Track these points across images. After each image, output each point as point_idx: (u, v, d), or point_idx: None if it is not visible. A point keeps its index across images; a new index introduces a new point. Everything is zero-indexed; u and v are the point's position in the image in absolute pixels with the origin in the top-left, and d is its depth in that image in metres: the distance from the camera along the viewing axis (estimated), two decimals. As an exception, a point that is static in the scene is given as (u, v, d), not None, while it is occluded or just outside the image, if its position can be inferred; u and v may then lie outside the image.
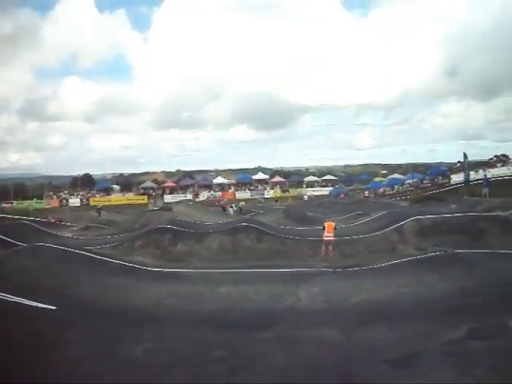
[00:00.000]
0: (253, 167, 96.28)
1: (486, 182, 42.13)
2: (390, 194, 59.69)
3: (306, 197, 63.28)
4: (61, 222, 40.22)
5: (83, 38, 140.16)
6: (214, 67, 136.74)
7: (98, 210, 47.48)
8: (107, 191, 72.31)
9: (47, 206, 63.28)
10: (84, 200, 67.20)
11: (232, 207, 44.06)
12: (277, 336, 8.39)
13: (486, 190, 38.20)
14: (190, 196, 66.43)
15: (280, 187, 70.67)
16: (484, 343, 7.56)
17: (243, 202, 48.83)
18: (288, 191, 68.62)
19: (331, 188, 69.64)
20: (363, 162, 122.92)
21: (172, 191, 70.59)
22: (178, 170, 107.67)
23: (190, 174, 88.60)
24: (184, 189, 71.54)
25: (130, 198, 68.18)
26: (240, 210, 41.98)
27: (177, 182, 76.41)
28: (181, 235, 19.93)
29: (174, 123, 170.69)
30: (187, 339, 8.34)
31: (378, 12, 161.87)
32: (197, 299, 11.03)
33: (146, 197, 67.22)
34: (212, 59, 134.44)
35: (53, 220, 40.15)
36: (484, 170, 51.65)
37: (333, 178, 78.00)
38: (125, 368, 7.19)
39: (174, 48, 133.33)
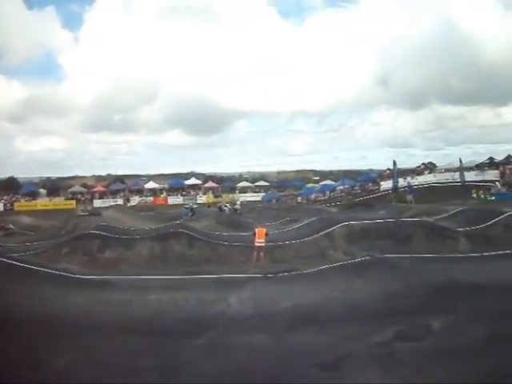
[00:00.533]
0: (186, 172, 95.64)
1: (410, 188, 43.78)
2: (321, 200, 60.70)
3: (238, 202, 63.37)
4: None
5: (10, 35, 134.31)
6: (148, 70, 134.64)
7: None
8: (33, 195, 69.42)
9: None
10: (8, 205, 64.14)
11: (227, 207, 43.45)
12: (207, 342, 8.31)
13: (410, 197, 39.67)
14: (120, 201, 64.97)
15: (213, 193, 70.46)
16: (410, 345, 7.78)
17: (238, 202, 47.82)
18: (221, 197, 68.42)
19: (264, 194, 70.09)
20: (296, 168, 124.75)
21: (102, 196, 68.78)
22: (109, 175, 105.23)
23: (121, 179, 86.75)
24: (114, 194, 69.88)
25: (57, 202, 65.68)
26: (235, 211, 41.35)
27: (107, 187, 74.51)
28: (110, 241, 19.37)
29: (104, 126, 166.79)
30: (115, 348, 8.08)
31: (312, 21, 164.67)
32: (126, 307, 10.76)
33: (74, 201, 65.10)
34: (145, 61, 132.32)
35: None
36: (412, 178, 53.67)
37: (265, 183, 78.56)
38: (46, 380, 6.85)
39: (107, 48, 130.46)
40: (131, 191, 71.08)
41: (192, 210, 40.11)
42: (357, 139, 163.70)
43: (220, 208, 44.39)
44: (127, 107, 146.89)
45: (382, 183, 58.43)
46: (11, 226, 37.38)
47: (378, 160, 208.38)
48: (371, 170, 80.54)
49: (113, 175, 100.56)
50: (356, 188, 63.66)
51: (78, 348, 7.94)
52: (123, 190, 71.84)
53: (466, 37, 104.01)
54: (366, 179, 66.83)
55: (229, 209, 42.94)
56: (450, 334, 8.13)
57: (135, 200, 66.08)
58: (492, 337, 7.73)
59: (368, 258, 14.96)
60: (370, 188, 60.10)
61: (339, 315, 9.63)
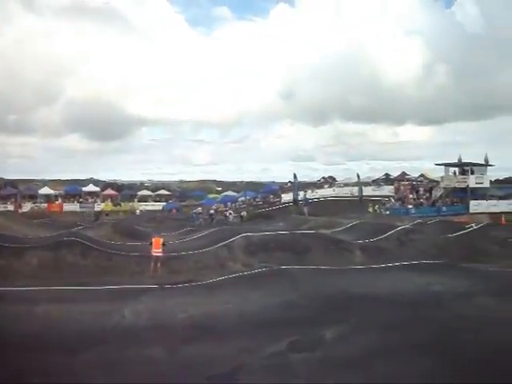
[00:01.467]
0: (84, 178, 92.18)
1: (305, 201, 45.14)
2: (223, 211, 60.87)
3: (138, 211, 62.05)
4: None
5: None
6: (48, 71, 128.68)
7: None
8: None
9: None
10: None
11: (231, 213, 41.58)
12: (99, 357, 7.97)
13: (305, 209, 40.93)
14: (11, 207, 61.27)
15: (112, 201, 68.44)
16: (303, 355, 7.90)
17: (244, 212, 45.85)
18: (120, 205, 66.60)
19: (165, 203, 69.17)
20: (199, 178, 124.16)
21: (-9, 201, 64.66)
22: (0, 178, 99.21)
23: (12, 183, 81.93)
24: (5, 199, 65.87)
25: None
26: (241, 218, 39.54)
27: (-4, 191, 70.17)
28: (-4, 249, 18.16)
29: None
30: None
31: (221, 32, 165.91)
32: (10, 320, 10.04)
33: (-42, 206, 60.67)
34: (46, 62, 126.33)
35: None
36: (312, 191, 55.31)
37: (167, 193, 77.55)
38: None
39: (2, 44, 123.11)
40: (23, 196, 67.27)
41: (241, 216, 38.59)
42: (260, 151, 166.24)
43: (211, 215, 42.92)
44: (23, 107, 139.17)
45: (283, 195, 59.67)
46: None
47: (281, 173, 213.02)
48: (273, 182, 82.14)
49: (4, 179, 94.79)
50: (257, 200, 64.49)
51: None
52: (14, 194, 67.75)
53: (368, 57, 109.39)
54: (267, 191, 67.99)
55: (234, 216, 41.61)
56: (341, 344, 8.35)
57: (27, 206, 62.60)
58: (381, 347, 8.04)
59: (266, 269, 15.13)
60: (272, 200, 61.12)
61: (235, 326, 9.63)
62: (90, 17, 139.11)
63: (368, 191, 50.91)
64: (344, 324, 9.33)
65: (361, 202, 47.68)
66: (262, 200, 63.57)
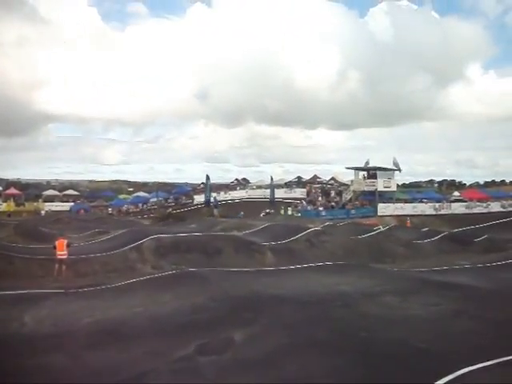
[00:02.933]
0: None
1: (216, 203, 45.29)
2: (134, 212, 59.63)
3: (43, 212, 59.42)
4: None
5: None
6: None
7: None
8: None
9: None
10: None
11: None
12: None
13: (216, 211, 41.08)
14: None
15: (15, 200, 65.06)
16: (211, 358, 7.87)
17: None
18: (24, 205, 63.47)
19: (72, 204, 66.74)
20: (110, 178, 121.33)
21: None
22: None
23: None
24: None
25: None
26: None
27: None
28: None
29: None
30: None
31: (135, 28, 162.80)
32: None
33: None
34: None
35: None
36: (225, 193, 55.47)
37: (75, 193, 74.92)
38: None
39: None
40: None
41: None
42: (173, 151, 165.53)
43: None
44: None
45: (195, 197, 59.35)
46: None
47: (194, 174, 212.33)
48: (186, 183, 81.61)
49: None
50: (170, 201, 63.73)
51: None
52: None
53: (284, 62, 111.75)
54: (180, 192, 67.35)
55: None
56: (250, 345, 8.39)
57: None
58: (289, 346, 8.17)
59: (176, 271, 14.99)
60: (184, 201, 60.64)
61: (143, 330, 9.45)
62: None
63: (280, 193, 51.80)
64: (253, 325, 9.40)
65: (273, 204, 48.38)
66: (174, 201, 62.90)
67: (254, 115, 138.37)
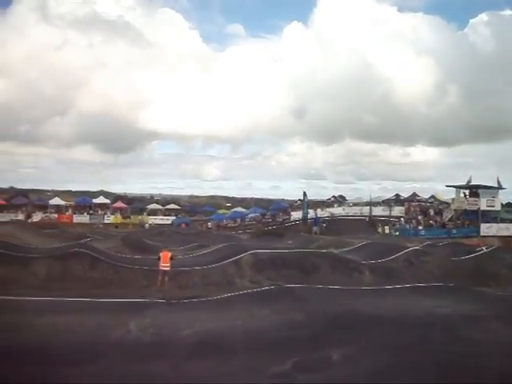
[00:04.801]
0: (95, 190, 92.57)
1: (315, 220, 44.93)
2: (232, 227, 60.74)
3: (147, 225, 62.08)
4: None
5: None
6: (60, 82, 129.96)
7: None
8: None
9: None
10: None
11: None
12: (100, 371, 7.86)
13: (316, 228, 40.75)
14: (21, 216, 61.54)
15: (121, 213, 68.55)
16: (308, 376, 7.75)
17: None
18: (129, 218, 66.75)
19: (174, 217, 69.18)
20: (209, 194, 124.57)
21: (1, 210, 64.95)
22: (11, 187, 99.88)
23: (23, 193, 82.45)
24: (16, 208, 66.22)
25: (-51, 215, 61.21)
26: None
27: (8, 200, 70.58)
28: (4, 259, 18.14)
29: (8, 136, 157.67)
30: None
31: (234, 49, 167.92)
32: (13, 330, 9.96)
33: (-31, 214, 61.01)
34: (59, 73, 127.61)
35: None
36: (322, 210, 55.16)
37: (176, 207, 77.61)
38: None
39: (17, 55, 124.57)
40: (34, 206, 67.67)
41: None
42: (270, 168, 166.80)
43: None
44: (36, 118, 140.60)
45: (292, 213, 59.49)
46: None
47: (291, 190, 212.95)
48: (283, 199, 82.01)
49: (16, 188, 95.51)
50: (267, 217, 64.29)
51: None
52: (25, 204, 68.20)
53: (380, 76, 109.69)
54: (277, 208, 67.77)
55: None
56: (347, 365, 8.19)
57: (38, 216, 62.88)
58: (387, 369, 7.88)
59: (273, 287, 14.98)
60: (281, 217, 60.94)
61: (240, 344, 9.48)
62: (103, 29, 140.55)
63: (378, 211, 50.68)
64: (350, 345, 9.17)
65: (370, 222, 47.43)
66: (271, 217, 63.37)
67: (351, 131, 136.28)
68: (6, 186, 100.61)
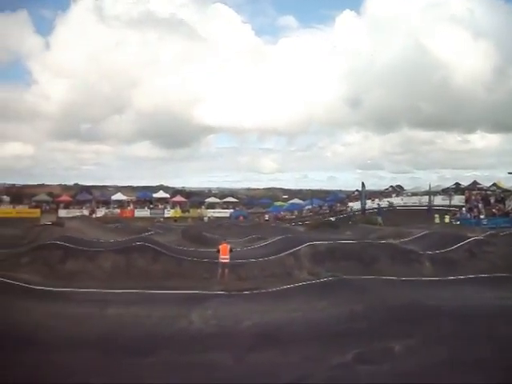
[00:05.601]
0: (155, 185, 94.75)
1: (379, 211, 44.26)
2: (289, 219, 60.83)
3: (206, 218, 63.05)
4: None
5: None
6: (119, 81, 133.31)
7: None
8: (-5, 202, 67.83)
9: None
10: (-33, 211, 62.44)
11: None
12: (164, 361, 8.13)
13: (379, 219, 40.17)
14: (86, 212, 63.85)
15: (180, 207, 69.90)
16: (370, 367, 7.73)
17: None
18: (188, 211, 67.99)
19: (232, 210, 69.91)
20: (266, 186, 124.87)
21: (67, 206, 67.63)
22: (76, 184, 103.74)
23: (87, 189, 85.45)
24: (80, 204, 68.80)
25: (21, 210, 64.19)
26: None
27: (73, 197, 73.37)
28: (71, 252, 19.00)
29: (71, 134, 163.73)
30: (66, 365, 7.81)
31: (286, 40, 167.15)
32: (82, 321, 10.46)
33: (38, 210, 63.88)
34: (117, 72, 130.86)
35: None
36: (380, 200, 54.40)
37: (234, 200, 78.38)
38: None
39: (77, 56, 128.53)
40: (98, 202, 70.04)
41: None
42: (326, 159, 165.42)
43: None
44: (96, 116, 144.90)
45: (350, 204, 58.97)
46: None
47: (347, 181, 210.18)
48: (340, 190, 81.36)
49: (80, 185, 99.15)
50: (324, 208, 64.04)
51: (27, 364, 7.66)
52: (89, 200, 70.70)
53: (437, 62, 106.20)
54: (334, 199, 67.40)
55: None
56: (408, 357, 8.12)
57: (101, 211, 65.06)
58: (449, 361, 7.77)
59: (332, 278, 14.97)
60: (338, 208, 60.53)
61: (300, 335, 9.55)
62: (157, 28, 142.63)
63: (437, 201, 49.51)
64: (411, 337, 9.06)
65: (430, 212, 46.37)
66: (328, 208, 63.05)
67: (408, 119, 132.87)
68: (70, 183, 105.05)
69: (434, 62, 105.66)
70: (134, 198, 73.36)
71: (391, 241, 24.89)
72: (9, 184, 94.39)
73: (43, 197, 73.08)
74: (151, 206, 69.70)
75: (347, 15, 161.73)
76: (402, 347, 8.49)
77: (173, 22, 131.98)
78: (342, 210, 58.95)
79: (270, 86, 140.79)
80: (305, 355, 8.36)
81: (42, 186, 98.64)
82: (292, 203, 74.59)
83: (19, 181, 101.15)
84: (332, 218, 52.51)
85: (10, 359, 7.78)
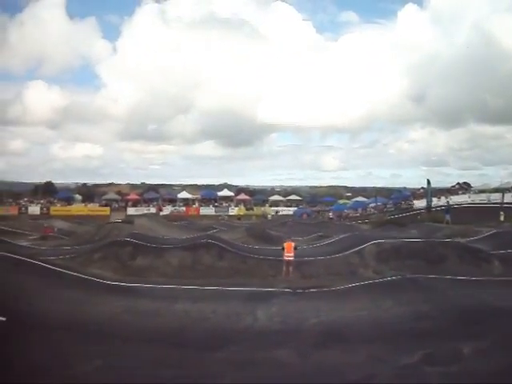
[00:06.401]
0: (218, 184, 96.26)
1: (447, 208, 43.02)
2: (353, 217, 60.21)
3: (269, 216, 63.36)
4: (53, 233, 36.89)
5: (51, 43, 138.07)
6: (183, 82, 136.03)
7: None
8: (68, 201, 70.94)
9: (5, 213, 61.46)
10: (44, 208, 65.73)
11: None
12: (231, 356, 8.25)
13: (447, 217, 39.06)
14: (153, 210, 65.68)
15: (244, 205, 70.61)
16: (438, 369, 7.60)
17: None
18: (252, 209, 68.61)
19: (295, 208, 69.90)
20: (328, 184, 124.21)
21: (135, 204, 69.78)
22: (143, 183, 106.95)
23: (154, 188, 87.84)
24: (148, 202, 70.83)
25: (92, 208, 67.00)
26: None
27: (141, 195, 75.65)
28: (141, 249, 19.65)
29: (138, 135, 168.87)
30: (138, 356, 8.11)
31: (347, 37, 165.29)
32: (152, 315, 10.82)
33: (108, 208, 66.33)
34: (181, 74, 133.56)
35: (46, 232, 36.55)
36: (446, 197, 52.87)
37: (297, 198, 78.37)
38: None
39: (143, 59, 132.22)
40: (164, 200, 71.90)
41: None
42: (390, 156, 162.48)
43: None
44: (162, 117, 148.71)
45: (415, 202, 57.65)
46: (55, 230, 38.19)
47: (412, 178, 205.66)
48: (404, 188, 79.59)
49: (147, 184, 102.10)
50: (389, 206, 62.91)
51: (102, 355, 8.00)
52: (156, 198, 72.70)
53: (504, 54, 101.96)
54: (399, 197, 66.08)
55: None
56: (478, 360, 7.92)
57: (168, 209, 66.74)
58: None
59: (398, 277, 14.74)
60: (403, 206, 59.30)
61: (366, 334, 9.48)
62: (219, 28, 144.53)
63: (507, 198, 47.56)
64: (480, 338, 8.83)
65: (500, 210, 44.55)
66: (393, 206, 61.89)
67: (475, 114, 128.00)
68: (138, 182, 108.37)
69: (500, 54, 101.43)
70: (198, 197, 74.79)
71: (459, 239, 24.22)
72: (80, 183, 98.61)
73: (113, 195, 75.90)
74: (216, 204, 70.76)
75: (409, 9, 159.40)
76: (470, 349, 8.30)
77: (234, 21, 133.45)
78: (407, 208, 57.69)
79: (332, 82, 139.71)
80: (371, 354, 8.30)
81: (111, 185, 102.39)
82: (356, 201, 73.81)
83: (90, 180, 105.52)
84: (397, 216, 51.50)
85: (87, 350, 8.19)
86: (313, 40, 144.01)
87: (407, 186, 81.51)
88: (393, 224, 41.06)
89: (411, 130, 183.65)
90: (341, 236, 25.17)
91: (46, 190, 78.52)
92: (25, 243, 29.69)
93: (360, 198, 75.80)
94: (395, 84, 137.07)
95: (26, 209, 65.41)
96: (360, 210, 64.91)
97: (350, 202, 74.40)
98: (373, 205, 65.02)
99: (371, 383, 7.16)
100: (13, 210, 64.03)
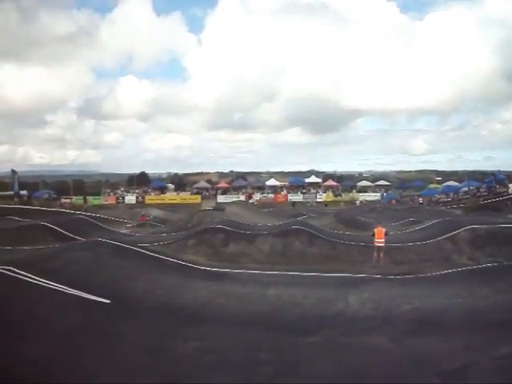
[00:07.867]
0: (305, 170, 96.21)
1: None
2: (444, 202, 58.19)
3: (358, 202, 62.66)
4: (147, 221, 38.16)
5: (140, 40, 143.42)
6: (267, 70, 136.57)
7: None
8: (162, 190, 73.79)
9: (104, 203, 65.32)
10: (139, 198, 68.83)
11: None
12: (324, 341, 8.35)
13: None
14: (242, 197, 66.85)
15: (332, 191, 70.13)
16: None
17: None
18: (340, 195, 68.05)
19: (384, 193, 68.57)
20: (417, 168, 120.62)
21: (225, 192, 71.29)
22: (231, 171, 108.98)
23: (242, 176, 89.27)
24: (237, 190, 72.14)
25: (184, 197, 69.32)
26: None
27: (230, 183, 77.26)
28: (233, 236, 20.19)
29: (225, 124, 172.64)
30: (234, 339, 8.43)
31: (433, 15, 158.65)
32: (245, 300, 11.16)
33: (199, 196, 68.30)
34: (265, 62, 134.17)
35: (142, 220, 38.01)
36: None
37: (386, 183, 76.78)
38: (171, 365, 7.22)
39: (227, 50, 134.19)
40: (253, 188, 72.90)
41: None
42: (482, 138, 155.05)
43: None
44: (247, 106, 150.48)
45: (510, 186, 54.71)
46: (150, 218, 39.96)
47: (506, 160, 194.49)
48: (499, 171, 75.69)
49: (235, 172, 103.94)
50: (482, 190, 60.08)
51: (199, 337, 8.36)
52: (245, 186, 73.86)
53: None
54: (493, 181, 62.95)
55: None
56: None
57: (257, 196, 67.64)
58: None
59: (495, 264, 14.21)
60: (498, 190, 56.44)
61: (462, 322, 9.24)
62: (301, 14, 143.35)
63: None
64: None
65: None
66: (486, 190, 59.04)
67: None
68: (226, 170, 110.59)
69: None
70: (286, 183, 75.13)
71: None
72: (172, 173, 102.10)
73: (203, 184, 78.04)
74: (303, 190, 70.79)
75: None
76: None
77: (317, 6, 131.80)
78: (502, 192, 54.84)
79: (419, 63, 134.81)
80: (467, 343, 8.10)
81: (201, 173, 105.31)
82: (447, 185, 71.08)
83: (180, 169, 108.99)
84: (491, 201, 49.14)
85: (185, 333, 8.63)
86: (398, 20, 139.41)
87: (501, 169, 77.43)
88: (487, 209, 39.39)
89: (504, 110, 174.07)
90: (433, 221, 24.54)
91: (141, 180, 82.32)
92: (124, 230, 31.36)
93: (451, 183, 72.90)
94: (486, 61, 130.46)
95: (123, 198, 68.87)
96: (451, 195, 62.48)
97: (440, 187, 71.80)
98: (465, 189, 62.35)
99: (468, 372, 7.01)
100: (111, 200, 67.87)
